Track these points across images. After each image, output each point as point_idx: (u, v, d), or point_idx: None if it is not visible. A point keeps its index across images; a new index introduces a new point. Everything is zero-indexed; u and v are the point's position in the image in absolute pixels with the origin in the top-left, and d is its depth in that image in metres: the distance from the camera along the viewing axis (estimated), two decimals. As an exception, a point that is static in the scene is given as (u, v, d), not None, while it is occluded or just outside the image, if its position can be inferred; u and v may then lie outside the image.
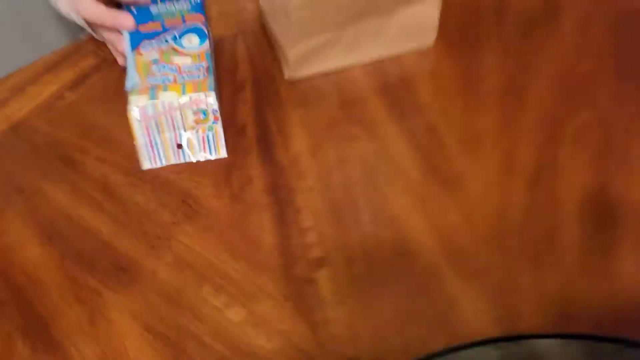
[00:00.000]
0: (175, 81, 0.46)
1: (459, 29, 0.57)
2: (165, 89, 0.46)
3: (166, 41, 0.50)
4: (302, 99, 0.52)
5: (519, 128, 0.48)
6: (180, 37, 0.51)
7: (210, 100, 0.46)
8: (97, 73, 0.56)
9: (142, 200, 0.45)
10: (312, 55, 0.51)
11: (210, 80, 0.47)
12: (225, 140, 0.47)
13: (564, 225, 0.41)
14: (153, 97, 0.45)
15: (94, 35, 0.56)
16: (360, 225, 0.43)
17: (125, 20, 0.51)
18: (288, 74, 0.53)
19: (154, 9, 0.53)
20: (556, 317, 0.37)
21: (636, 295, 0.37)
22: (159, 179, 0.47)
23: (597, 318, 0.36)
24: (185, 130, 0.46)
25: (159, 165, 0.48)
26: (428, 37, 0.55)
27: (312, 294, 0.39)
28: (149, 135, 0.46)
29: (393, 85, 0.53)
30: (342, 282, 0.40)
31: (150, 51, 0.49)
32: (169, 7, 0.53)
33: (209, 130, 0.47)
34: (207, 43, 0.50)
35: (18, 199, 0.46)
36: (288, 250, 0.42)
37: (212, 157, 0.48)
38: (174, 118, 0.45)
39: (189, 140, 0.47)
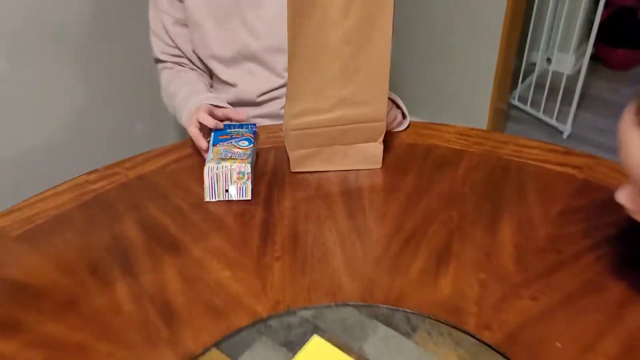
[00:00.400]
0: (230, 158, 0.89)
1: (398, 160, 0.96)
2: (224, 161, 0.88)
3: (231, 142, 0.93)
4: (295, 182, 0.92)
5: (418, 215, 0.85)
6: (238, 141, 0.94)
7: (247, 169, 0.87)
8: (190, 158, 1.00)
9: (199, 217, 0.86)
10: (303, 160, 0.92)
11: (249, 160, 0.89)
12: (251, 192, 0.89)
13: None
14: (217, 163, 0.87)
15: (193, 139, 1.00)
16: (306, 253, 0.80)
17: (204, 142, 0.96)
18: (291, 168, 0.94)
19: (228, 128, 0.98)
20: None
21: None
22: (210, 206, 0.88)
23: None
24: (231, 183, 0.88)
25: (214, 200, 0.89)
26: (377, 163, 0.95)
27: (269, 271, 0.76)
28: (211, 182, 0.87)
29: (350, 189, 0.92)
30: (284, 271, 0.77)
31: (221, 145, 0.92)
32: (239, 128, 0.98)
33: (243, 184, 0.88)
34: (252, 146, 0.93)
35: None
36: (263, 251, 0.80)
37: (242, 199, 0.89)
38: (226, 175, 0.87)
39: (231, 188, 0.88)
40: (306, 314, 0.71)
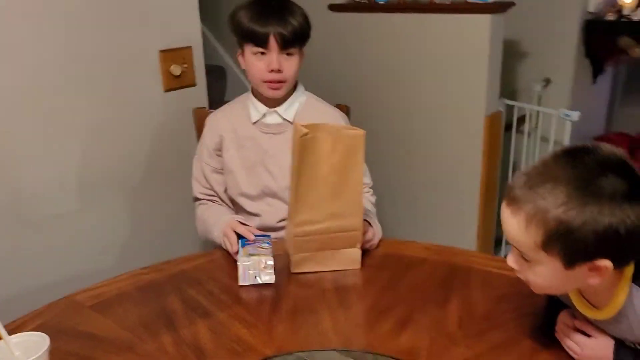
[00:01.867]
0: (258, 254, 1.21)
1: (376, 263, 1.27)
2: (254, 256, 1.20)
3: (255, 245, 1.25)
4: (296, 277, 1.22)
5: (389, 297, 1.13)
6: (261, 244, 1.26)
7: (271, 261, 1.19)
8: (217, 260, 1.32)
9: (226, 296, 1.15)
10: (302, 262, 1.23)
11: (271, 256, 1.20)
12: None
13: None
14: (249, 257, 1.19)
15: (223, 245, 1.33)
16: (303, 318, 1.08)
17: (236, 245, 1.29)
18: (291, 269, 1.24)
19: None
20: None
21: None
22: (235, 288, 1.17)
23: None
24: (260, 272, 1.19)
25: (246, 284, 1.19)
26: (357, 264, 1.26)
27: (275, 329, 1.04)
28: (244, 271, 1.18)
29: (338, 280, 1.21)
30: (287, 329, 1.04)
31: (249, 247, 1.24)
32: (260, 237, 1.31)
33: (269, 272, 1.19)
34: (271, 247, 1.25)
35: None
36: (271, 317, 1.07)
37: (268, 283, 1.19)
38: (257, 266, 1.19)
39: (261, 275, 1.19)
40: (301, 354, 0.98)
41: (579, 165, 0.79)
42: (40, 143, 1.59)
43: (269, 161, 1.48)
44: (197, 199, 1.56)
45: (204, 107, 1.75)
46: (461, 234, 2.39)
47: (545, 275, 0.84)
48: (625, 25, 2.78)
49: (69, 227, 1.68)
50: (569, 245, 0.79)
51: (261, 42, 1.36)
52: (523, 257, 0.85)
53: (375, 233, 1.35)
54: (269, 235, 1.32)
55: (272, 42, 1.35)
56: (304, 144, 1.16)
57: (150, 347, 1.01)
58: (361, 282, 1.20)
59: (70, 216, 1.68)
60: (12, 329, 0.98)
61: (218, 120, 1.53)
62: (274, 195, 1.48)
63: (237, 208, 1.55)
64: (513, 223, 0.83)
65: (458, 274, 1.22)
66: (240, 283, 1.20)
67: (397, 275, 1.22)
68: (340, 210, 1.22)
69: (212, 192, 1.54)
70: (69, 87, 1.61)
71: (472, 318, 1.06)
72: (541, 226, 0.79)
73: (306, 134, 1.15)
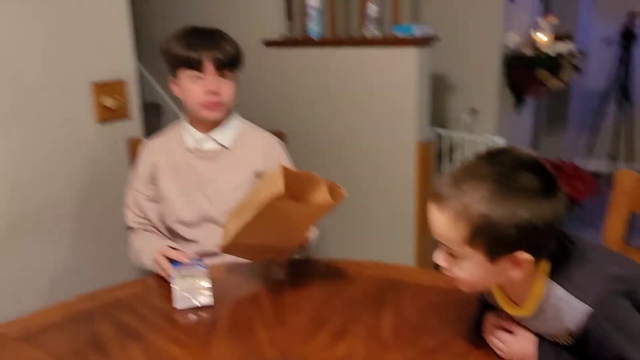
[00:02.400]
0: (193, 277, 1.20)
1: (313, 280, 1.29)
2: (190, 278, 1.19)
3: (189, 268, 1.24)
4: (232, 298, 1.22)
5: (325, 311, 1.15)
6: (195, 267, 1.25)
7: (209, 283, 1.19)
8: (155, 285, 1.30)
9: (160, 319, 1.13)
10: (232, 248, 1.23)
11: (208, 279, 1.20)
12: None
13: None
14: (185, 280, 1.19)
15: (160, 263, 1.31)
16: (239, 334, 1.08)
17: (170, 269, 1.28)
18: (220, 249, 1.23)
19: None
20: None
21: None
22: (178, 311, 1.15)
23: None
24: (198, 295, 1.18)
25: (184, 307, 1.17)
26: (284, 255, 1.27)
27: (210, 348, 1.03)
28: (181, 294, 1.17)
29: (274, 303, 1.22)
30: (222, 347, 1.03)
31: (182, 270, 1.23)
32: (193, 262, 1.30)
33: (208, 294, 1.18)
34: (205, 270, 1.24)
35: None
36: (207, 336, 1.07)
37: (206, 304, 1.18)
38: (193, 288, 1.18)
39: (199, 298, 1.18)
40: (237, 370, 0.97)
41: (498, 164, 0.86)
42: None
43: (206, 186, 1.48)
44: (130, 228, 1.54)
45: (137, 137, 1.75)
46: (400, 258, 2.45)
47: (471, 270, 0.89)
48: (542, 60, 2.99)
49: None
50: (492, 239, 0.84)
51: (196, 65, 1.39)
52: (450, 254, 0.90)
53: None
54: (201, 259, 1.31)
55: (208, 65, 1.39)
56: (274, 206, 1.09)
57: (81, 373, 0.98)
58: (297, 298, 1.22)
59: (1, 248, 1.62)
60: None
61: (151, 149, 1.54)
62: (211, 220, 1.48)
63: (173, 236, 1.53)
64: (440, 219, 0.87)
65: (391, 287, 1.25)
66: (177, 306, 1.18)
67: (333, 290, 1.25)
68: (277, 243, 1.24)
69: (145, 221, 1.53)
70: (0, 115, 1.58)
71: (404, 326, 1.09)
72: (466, 221, 0.84)
73: (281, 199, 1.07)
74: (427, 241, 2.46)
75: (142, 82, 3.12)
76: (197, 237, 1.49)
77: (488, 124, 2.92)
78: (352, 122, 2.44)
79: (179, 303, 1.18)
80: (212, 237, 1.48)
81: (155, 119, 3.02)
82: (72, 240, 1.80)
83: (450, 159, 2.76)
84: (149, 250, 1.40)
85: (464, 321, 1.08)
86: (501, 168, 0.85)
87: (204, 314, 1.16)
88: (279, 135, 1.66)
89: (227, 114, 1.50)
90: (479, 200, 0.83)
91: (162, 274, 1.29)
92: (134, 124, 1.93)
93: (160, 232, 1.54)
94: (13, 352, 1.06)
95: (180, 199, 1.49)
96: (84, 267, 1.84)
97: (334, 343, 1.04)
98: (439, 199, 0.88)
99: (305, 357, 1.00)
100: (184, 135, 1.51)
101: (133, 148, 1.64)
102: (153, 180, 1.51)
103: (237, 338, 1.07)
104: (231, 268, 1.35)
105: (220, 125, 1.49)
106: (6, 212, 1.62)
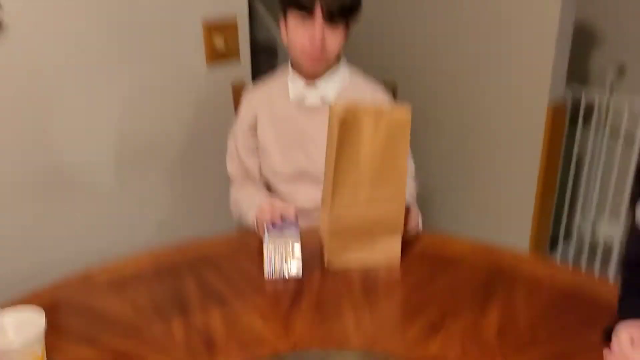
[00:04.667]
0: (284, 237, 1.13)
1: (412, 260, 1.16)
2: (280, 245, 1.12)
3: (282, 231, 1.16)
4: (322, 272, 1.13)
5: (421, 298, 1.03)
6: (289, 232, 1.17)
7: (298, 251, 1.11)
8: (248, 245, 1.24)
9: (246, 284, 1.07)
10: (338, 253, 1.13)
11: (298, 245, 1.12)
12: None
13: None
14: (274, 245, 1.12)
15: (255, 228, 1.25)
16: (325, 314, 0.99)
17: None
18: (326, 263, 1.14)
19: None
20: None
21: None
22: (255, 277, 1.09)
23: None
24: (285, 262, 1.11)
25: (272, 277, 1.11)
26: (396, 261, 1.15)
27: (292, 324, 0.95)
28: (269, 261, 1.11)
29: (366, 275, 1.11)
30: (305, 325, 0.95)
31: (275, 234, 1.15)
32: (288, 223, 1.22)
33: (296, 263, 1.11)
34: (299, 236, 1.15)
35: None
36: (291, 311, 0.99)
37: (294, 274, 1.11)
38: (282, 255, 1.11)
39: (288, 266, 1.11)
40: (316, 354, 0.89)
41: None
42: (81, 114, 1.56)
43: (307, 142, 1.39)
44: (231, 177, 1.50)
45: (242, 83, 1.67)
46: (514, 231, 2.23)
47: None
48: None
49: (104, 199, 1.66)
50: None
51: (306, 6, 1.26)
52: None
53: (414, 217, 1.25)
54: (296, 222, 1.23)
55: (318, 10, 1.25)
56: (344, 127, 1.05)
57: (158, 332, 0.95)
58: (392, 279, 1.10)
59: (106, 188, 1.65)
60: (26, 301, 0.94)
61: (254, 97, 1.46)
62: (309, 177, 1.40)
63: (270, 189, 1.47)
64: None
65: (502, 278, 1.09)
66: (266, 275, 1.11)
67: (433, 274, 1.11)
68: (380, 196, 1.11)
69: (246, 171, 1.47)
70: (111, 57, 1.57)
71: (513, 329, 0.94)
72: None
73: (346, 116, 1.04)
74: (546, 222, 2.22)
75: (258, 23, 3.05)
76: (293, 192, 1.42)
77: (637, 84, 2.52)
78: (475, 74, 2.19)
79: (268, 272, 1.11)
80: (308, 194, 1.40)
81: (269, 61, 2.95)
82: (175, 184, 1.81)
83: (588, 125, 2.43)
84: (248, 204, 1.35)
85: (588, 333, 0.91)
86: None
87: (290, 285, 1.09)
88: (392, 86, 1.51)
89: (335, 62, 1.37)
90: None
91: (264, 218, 1.22)
92: (243, 67, 1.87)
93: (260, 184, 1.48)
94: (99, 298, 1.05)
95: (279, 152, 1.41)
96: (186, 211, 1.85)
97: (426, 338, 0.92)
98: None
99: (392, 351, 0.89)
100: (288, 83, 1.41)
101: (237, 94, 1.57)
102: (253, 130, 1.44)
103: (321, 319, 0.98)
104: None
105: (325, 75, 1.37)
106: (115, 152, 1.64)
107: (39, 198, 1.53)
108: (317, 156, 1.37)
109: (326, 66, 1.35)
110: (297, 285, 1.08)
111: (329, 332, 0.94)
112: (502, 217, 2.26)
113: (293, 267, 1.12)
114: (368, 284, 1.09)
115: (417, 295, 1.04)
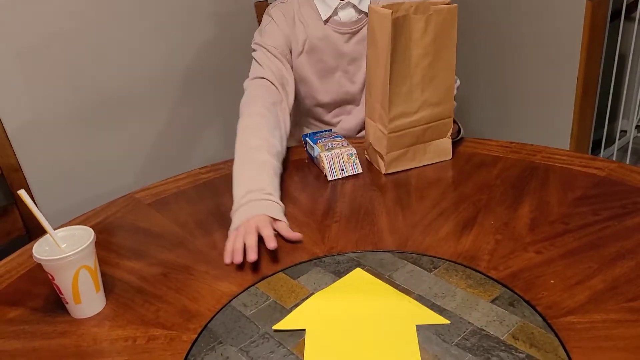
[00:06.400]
0: (336, 147, 1.16)
1: (462, 156, 1.16)
2: (333, 149, 1.15)
3: (326, 139, 1.19)
4: (352, 179, 1.15)
5: (453, 197, 1.04)
6: (333, 138, 1.20)
7: (353, 151, 1.15)
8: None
9: (287, 198, 1.10)
10: (395, 161, 1.14)
11: (351, 147, 1.15)
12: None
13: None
14: (329, 151, 1.15)
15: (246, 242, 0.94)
16: (358, 218, 1.02)
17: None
18: (384, 170, 1.15)
19: (316, 134, 1.24)
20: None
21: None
22: (298, 187, 1.12)
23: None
24: (344, 163, 1.14)
25: (334, 178, 1.15)
26: (448, 155, 1.17)
27: (327, 229, 0.98)
28: (329, 165, 1.14)
29: (397, 179, 1.13)
30: (339, 229, 0.98)
31: (320, 142, 1.19)
32: (325, 132, 1.24)
33: (354, 161, 1.15)
34: (345, 140, 1.19)
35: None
36: (325, 217, 1.02)
37: (355, 173, 1.15)
38: (340, 158, 1.14)
39: (346, 166, 1.15)
40: (352, 255, 0.92)
41: None
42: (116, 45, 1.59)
43: (348, 65, 1.33)
44: (254, 91, 1.25)
45: (266, 1, 1.64)
46: (555, 134, 2.18)
47: None
48: None
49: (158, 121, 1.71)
50: None
51: None
52: None
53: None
54: (330, 130, 1.24)
55: None
56: (396, 27, 1.03)
57: (201, 243, 1.00)
58: (425, 181, 1.11)
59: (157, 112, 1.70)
60: (75, 224, 1.00)
61: (284, 15, 1.32)
62: (353, 101, 1.37)
63: (310, 117, 1.44)
64: None
65: (535, 173, 1.09)
66: (329, 178, 1.15)
67: (466, 174, 1.12)
68: (432, 97, 1.12)
69: (282, 79, 1.27)
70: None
71: (545, 221, 0.95)
72: None
73: (396, 15, 1.02)
74: (587, 125, 2.15)
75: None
76: (337, 120, 1.40)
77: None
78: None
79: (330, 174, 1.15)
80: (353, 119, 1.39)
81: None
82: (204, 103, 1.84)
83: (629, 18, 2.30)
84: (244, 204, 1.01)
85: (625, 218, 0.91)
86: None
87: (323, 192, 1.11)
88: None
89: None
90: None
91: (229, 249, 0.94)
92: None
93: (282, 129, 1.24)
94: (144, 216, 1.10)
95: (319, 82, 1.35)
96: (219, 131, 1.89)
97: (459, 235, 0.94)
98: None
99: (427, 248, 0.92)
100: (317, 3, 1.31)
101: (261, 14, 1.55)
102: (288, 49, 1.31)
103: (355, 222, 1.01)
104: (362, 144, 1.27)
105: None
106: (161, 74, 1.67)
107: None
108: (361, 79, 1.34)
109: None
110: (330, 192, 1.11)
111: (363, 235, 0.97)
112: (541, 121, 2.21)
113: (354, 165, 1.16)
114: (399, 188, 1.10)
115: (449, 196, 1.05)
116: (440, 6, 1.05)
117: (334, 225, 1.00)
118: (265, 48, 1.29)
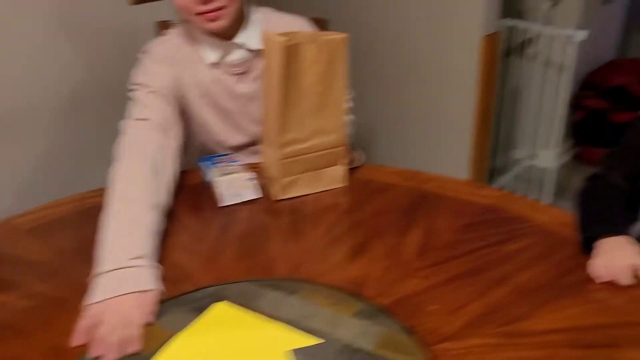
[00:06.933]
0: (233, 172, 1.15)
1: (340, 189, 1.17)
2: (231, 174, 1.14)
3: (223, 164, 1.17)
4: (247, 205, 1.13)
5: (347, 223, 1.04)
6: (229, 163, 1.18)
7: (253, 175, 1.13)
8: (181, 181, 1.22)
9: (177, 224, 1.06)
10: (287, 188, 1.12)
11: (246, 170, 1.14)
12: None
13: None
14: (226, 176, 1.14)
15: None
16: (249, 246, 0.99)
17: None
18: (275, 196, 1.13)
19: (215, 158, 1.22)
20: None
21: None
22: (189, 214, 1.08)
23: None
24: (243, 188, 1.12)
25: (230, 203, 1.11)
26: (343, 182, 1.17)
27: (218, 256, 0.95)
28: (224, 191, 1.11)
29: (294, 205, 1.12)
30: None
31: (218, 167, 1.16)
32: (224, 159, 1.21)
33: (254, 186, 1.13)
34: (242, 165, 1.17)
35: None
36: (217, 243, 0.99)
37: (255, 197, 1.13)
38: (237, 183, 1.12)
39: (245, 192, 1.12)
40: (212, 289, 0.89)
41: None
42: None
43: (249, 106, 1.27)
44: (131, 132, 1.12)
45: (169, 20, 1.60)
46: (453, 164, 2.28)
47: None
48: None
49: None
50: None
51: None
52: None
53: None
54: (228, 154, 1.22)
55: None
56: (288, 53, 1.03)
57: (78, 274, 0.93)
58: (320, 208, 1.11)
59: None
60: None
61: (166, 57, 1.21)
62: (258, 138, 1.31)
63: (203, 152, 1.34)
64: None
65: (426, 201, 1.11)
66: (224, 203, 1.12)
67: (360, 201, 1.13)
68: (324, 125, 1.12)
69: (166, 120, 1.16)
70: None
71: (433, 247, 0.97)
72: None
73: (288, 42, 1.02)
74: (484, 150, 2.27)
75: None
76: (242, 158, 1.30)
77: (570, 15, 2.55)
78: (406, 5, 2.17)
79: (226, 200, 1.12)
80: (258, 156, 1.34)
81: None
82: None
83: (522, 55, 2.46)
84: (114, 239, 0.94)
85: (504, 245, 0.95)
86: None
87: (217, 218, 1.08)
88: (321, 23, 1.47)
89: (239, 9, 1.17)
90: None
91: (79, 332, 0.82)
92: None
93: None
94: (21, 243, 1.02)
95: (224, 126, 1.29)
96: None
97: (349, 262, 0.94)
98: None
99: (315, 275, 0.91)
100: (203, 49, 1.21)
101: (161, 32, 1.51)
102: (176, 90, 1.20)
103: (247, 250, 0.99)
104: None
105: (239, 26, 1.19)
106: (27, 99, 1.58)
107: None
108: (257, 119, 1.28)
109: (231, 20, 1.15)
110: (224, 219, 1.08)
111: (255, 263, 0.95)
112: (441, 150, 2.29)
113: (251, 190, 1.14)
114: (294, 214, 1.09)
115: (343, 223, 1.06)
116: (331, 36, 1.07)
117: (225, 252, 0.98)
118: (148, 88, 1.17)
